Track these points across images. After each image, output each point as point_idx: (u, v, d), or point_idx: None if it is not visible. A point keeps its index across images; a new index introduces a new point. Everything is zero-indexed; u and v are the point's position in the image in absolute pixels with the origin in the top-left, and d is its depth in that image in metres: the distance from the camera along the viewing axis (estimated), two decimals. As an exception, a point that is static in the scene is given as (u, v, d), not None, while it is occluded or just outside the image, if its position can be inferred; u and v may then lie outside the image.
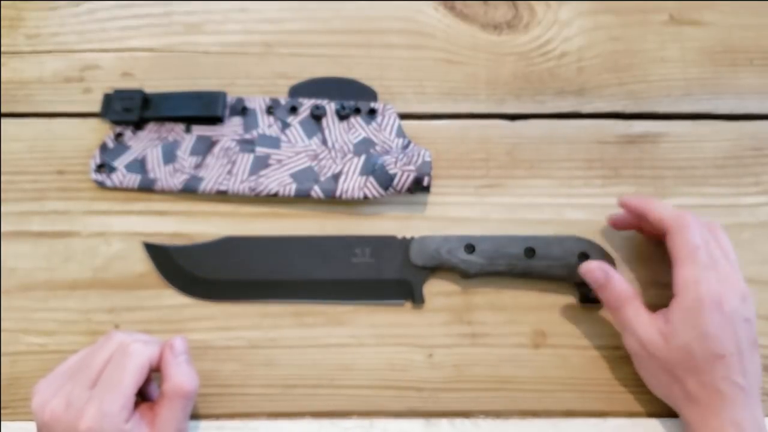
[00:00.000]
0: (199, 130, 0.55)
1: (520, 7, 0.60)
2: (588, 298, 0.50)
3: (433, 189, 0.54)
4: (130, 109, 0.55)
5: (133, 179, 0.54)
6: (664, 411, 0.48)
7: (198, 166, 0.54)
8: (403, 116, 0.56)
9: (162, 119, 0.55)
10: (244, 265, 0.52)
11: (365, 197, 0.52)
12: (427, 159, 0.52)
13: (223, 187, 0.53)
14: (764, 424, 0.42)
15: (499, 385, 0.50)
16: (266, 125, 0.55)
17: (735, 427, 0.41)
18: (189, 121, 0.55)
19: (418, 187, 0.52)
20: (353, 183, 0.52)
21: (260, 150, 0.54)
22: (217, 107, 0.55)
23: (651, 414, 0.49)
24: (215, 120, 0.55)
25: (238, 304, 0.51)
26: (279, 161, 0.54)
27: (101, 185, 0.54)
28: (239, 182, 0.53)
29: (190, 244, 0.52)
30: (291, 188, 0.53)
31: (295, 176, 0.53)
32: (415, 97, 0.57)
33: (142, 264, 0.52)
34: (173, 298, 0.51)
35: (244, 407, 0.49)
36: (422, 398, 0.49)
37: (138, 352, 0.43)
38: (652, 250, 0.52)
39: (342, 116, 0.55)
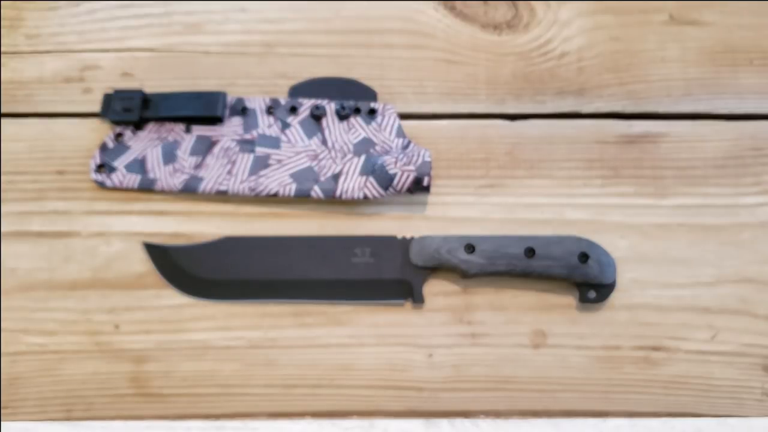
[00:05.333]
0: (199, 130, 0.55)
1: (520, 7, 0.60)
2: (588, 298, 0.50)
3: (433, 189, 0.54)
4: (130, 109, 0.55)
5: (133, 179, 0.54)
6: (664, 411, 0.49)
7: (198, 166, 0.54)
8: (403, 116, 0.56)
9: (162, 119, 0.55)
10: (244, 265, 0.52)
11: (365, 197, 0.52)
12: (427, 159, 0.52)
13: (223, 187, 0.53)
14: None
15: (499, 385, 0.50)
16: (266, 125, 0.55)
17: None
18: (189, 121, 0.55)
19: (418, 187, 0.52)
20: (353, 183, 0.52)
21: (260, 150, 0.54)
22: (217, 107, 0.55)
23: (651, 414, 0.49)
24: (215, 120, 0.55)
25: (238, 304, 0.51)
26: (279, 161, 0.54)
27: (101, 185, 0.54)
28: (239, 182, 0.53)
29: (190, 244, 0.52)
30: (291, 188, 0.53)
31: (295, 176, 0.53)
32: (415, 97, 0.57)
33: (142, 264, 0.52)
34: (173, 298, 0.51)
35: (244, 407, 0.49)
36: (422, 398, 0.49)
37: None
38: (652, 250, 0.52)
39: (342, 116, 0.55)
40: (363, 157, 0.54)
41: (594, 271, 0.49)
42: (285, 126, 0.55)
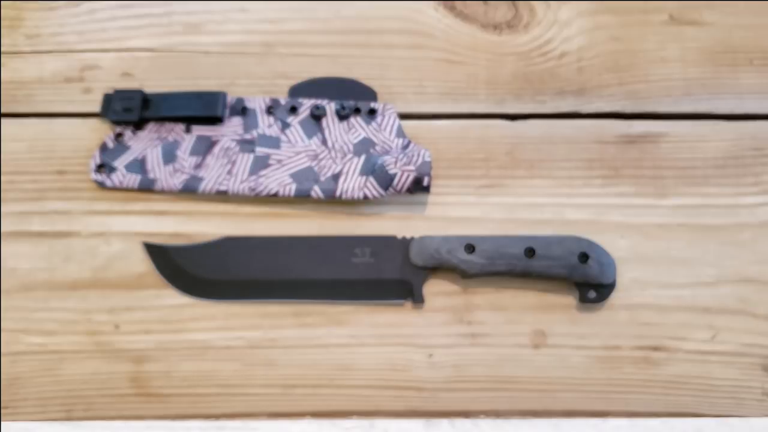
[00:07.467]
0: (199, 130, 0.55)
1: (520, 7, 0.60)
2: (588, 298, 0.50)
3: (433, 189, 0.54)
4: (130, 109, 0.55)
5: (133, 179, 0.54)
6: (664, 411, 0.49)
7: (198, 166, 0.54)
8: (403, 116, 0.56)
9: (162, 119, 0.55)
10: (244, 265, 0.52)
11: (365, 197, 0.52)
12: (427, 159, 0.52)
13: (223, 187, 0.53)
14: None
15: (499, 385, 0.50)
16: (266, 125, 0.55)
17: None
18: (189, 121, 0.55)
19: (418, 187, 0.52)
20: (353, 183, 0.52)
21: (260, 150, 0.54)
22: (217, 107, 0.55)
23: (651, 414, 0.49)
24: (215, 120, 0.55)
25: (238, 304, 0.51)
26: (279, 161, 0.54)
27: (101, 185, 0.54)
28: (239, 182, 0.53)
29: (190, 244, 0.52)
30: (291, 188, 0.53)
31: (295, 176, 0.53)
32: (415, 97, 0.57)
33: (142, 264, 0.52)
34: (173, 298, 0.51)
35: (244, 407, 0.49)
36: (422, 398, 0.49)
37: None
38: (652, 250, 0.52)
39: (342, 116, 0.55)
40: (363, 157, 0.54)
41: (594, 271, 0.49)
42: (285, 126, 0.55)
